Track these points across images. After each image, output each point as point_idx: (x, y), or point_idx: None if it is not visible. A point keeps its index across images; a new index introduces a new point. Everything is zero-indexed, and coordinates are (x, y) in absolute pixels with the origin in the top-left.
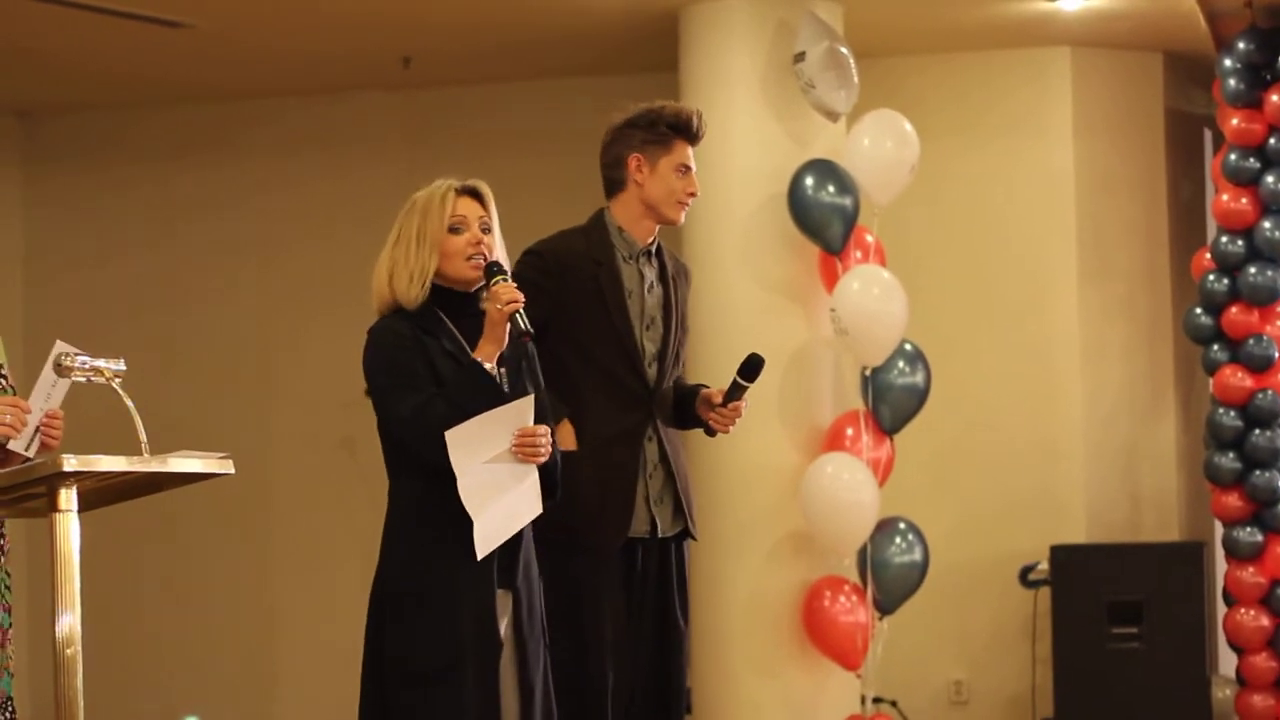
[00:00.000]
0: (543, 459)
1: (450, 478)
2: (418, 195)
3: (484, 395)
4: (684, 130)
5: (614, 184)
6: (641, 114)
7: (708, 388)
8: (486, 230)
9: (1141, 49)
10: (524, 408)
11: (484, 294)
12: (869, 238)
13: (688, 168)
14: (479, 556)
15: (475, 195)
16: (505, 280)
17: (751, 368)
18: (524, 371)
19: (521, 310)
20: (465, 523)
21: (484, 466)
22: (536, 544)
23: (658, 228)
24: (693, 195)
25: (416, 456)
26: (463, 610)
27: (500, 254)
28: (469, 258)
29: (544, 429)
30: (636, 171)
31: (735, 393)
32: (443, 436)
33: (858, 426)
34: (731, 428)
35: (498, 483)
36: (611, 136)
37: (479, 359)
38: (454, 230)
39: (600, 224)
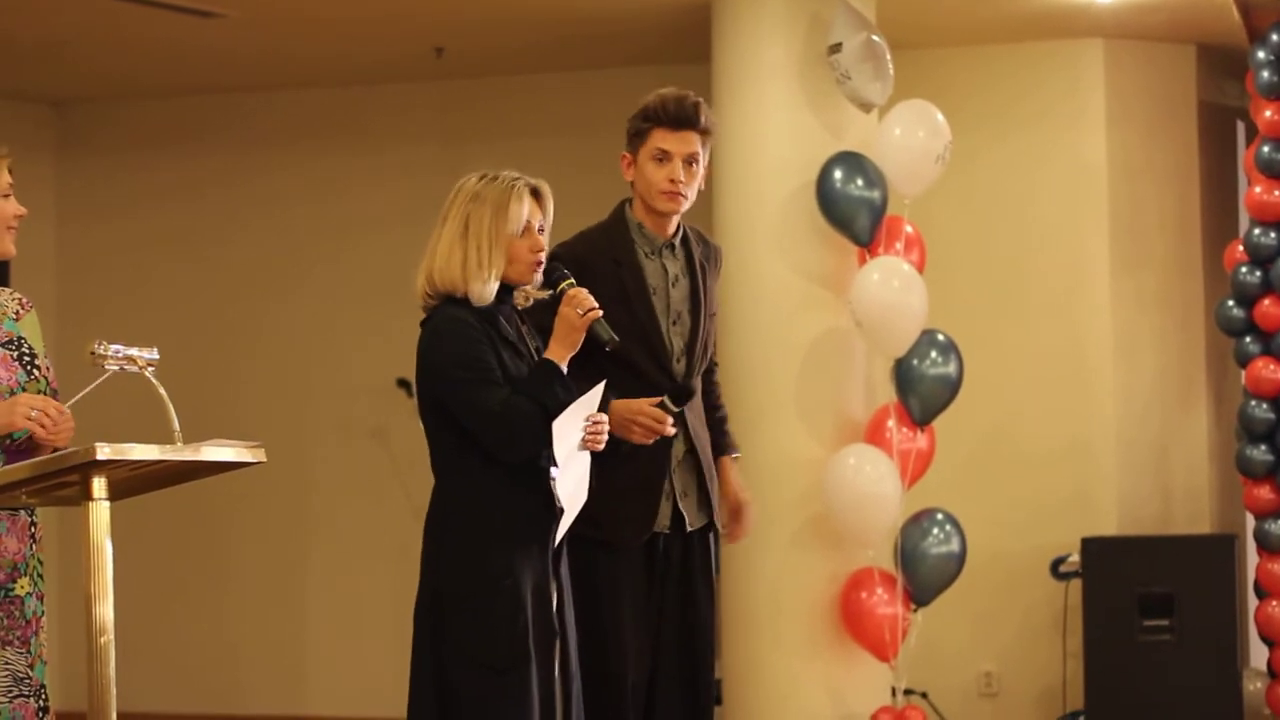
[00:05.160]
0: (600, 447)
1: (509, 468)
2: (482, 188)
3: (565, 393)
4: (658, 117)
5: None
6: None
7: (736, 455)
8: (542, 231)
9: (1174, 41)
10: (596, 395)
11: (545, 294)
12: (907, 228)
13: (665, 153)
14: (555, 544)
15: (537, 195)
16: (574, 283)
17: (679, 395)
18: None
19: (602, 319)
20: (523, 512)
21: (567, 456)
22: None
23: (675, 219)
24: (674, 182)
25: (495, 449)
26: (530, 601)
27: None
28: (533, 263)
29: (604, 416)
30: (627, 170)
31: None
32: (528, 430)
33: (889, 418)
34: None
35: (571, 471)
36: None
37: (553, 360)
38: (522, 234)
39: (621, 220)
